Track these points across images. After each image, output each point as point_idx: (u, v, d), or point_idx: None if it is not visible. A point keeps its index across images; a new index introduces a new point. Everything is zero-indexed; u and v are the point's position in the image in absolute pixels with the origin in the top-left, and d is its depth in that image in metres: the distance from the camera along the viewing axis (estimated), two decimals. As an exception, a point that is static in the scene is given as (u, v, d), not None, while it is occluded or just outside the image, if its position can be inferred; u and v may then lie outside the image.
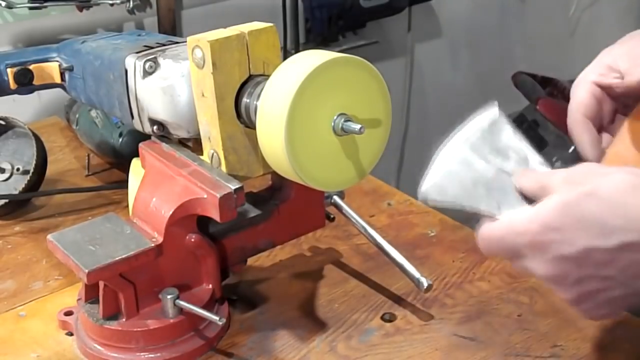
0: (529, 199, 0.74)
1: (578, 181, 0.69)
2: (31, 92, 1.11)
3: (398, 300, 1.00)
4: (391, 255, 0.99)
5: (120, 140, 1.27)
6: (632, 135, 0.82)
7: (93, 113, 1.33)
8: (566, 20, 2.61)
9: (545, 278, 0.72)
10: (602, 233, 0.66)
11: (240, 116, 0.86)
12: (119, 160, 1.28)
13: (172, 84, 0.90)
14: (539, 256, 0.70)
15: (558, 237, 0.68)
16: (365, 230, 1.02)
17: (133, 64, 0.92)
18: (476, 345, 0.92)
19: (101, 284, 0.88)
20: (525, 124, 2.23)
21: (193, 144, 0.94)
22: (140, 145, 0.95)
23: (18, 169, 1.25)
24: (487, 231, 0.74)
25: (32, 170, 1.20)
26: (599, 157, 0.83)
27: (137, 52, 0.93)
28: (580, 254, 0.68)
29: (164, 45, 0.95)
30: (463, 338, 0.93)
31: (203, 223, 0.91)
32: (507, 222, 0.73)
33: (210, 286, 0.92)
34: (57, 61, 1.08)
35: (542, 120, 2.20)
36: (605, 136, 0.86)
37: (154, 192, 0.89)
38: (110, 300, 0.88)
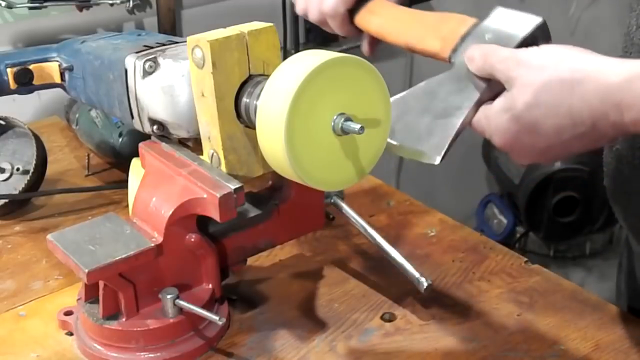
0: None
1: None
2: (31, 92, 1.11)
3: (398, 300, 1.00)
4: (391, 255, 0.99)
5: (120, 140, 1.27)
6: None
7: (93, 113, 1.33)
8: (566, 20, 2.61)
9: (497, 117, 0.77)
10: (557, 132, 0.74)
11: (240, 116, 0.86)
12: (119, 160, 1.28)
13: (172, 84, 0.90)
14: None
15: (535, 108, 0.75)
16: (365, 230, 1.02)
17: (133, 63, 0.92)
18: (476, 345, 0.92)
19: (101, 283, 0.88)
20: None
21: (193, 144, 0.94)
22: (140, 145, 0.95)
23: (18, 169, 1.25)
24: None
25: (32, 170, 1.20)
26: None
27: (137, 52, 0.93)
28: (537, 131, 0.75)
29: (164, 45, 0.95)
30: (463, 338, 0.93)
31: (203, 223, 0.91)
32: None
33: (210, 286, 0.92)
34: (57, 61, 1.08)
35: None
36: None
37: (154, 192, 0.89)
38: (110, 300, 0.88)
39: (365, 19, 0.95)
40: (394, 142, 0.84)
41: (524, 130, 0.75)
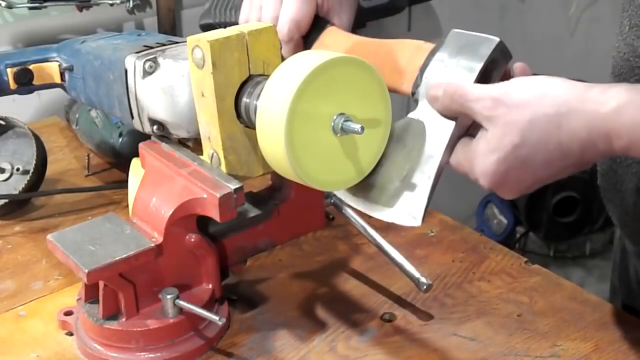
0: None
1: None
2: (31, 92, 1.11)
3: (398, 300, 1.00)
4: (391, 255, 0.99)
5: (120, 140, 1.27)
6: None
7: (93, 113, 1.33)
8: (566, 20, 2.61)
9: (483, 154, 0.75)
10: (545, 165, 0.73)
11: (240, 116, 0.86)
12: (119, 160, 1.28)
13: (172, 84, 0.90)
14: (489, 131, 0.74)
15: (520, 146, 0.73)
16: (365, 230, 1.02)
17: (133, 63, 0.92)
18: (476, 345, 0.92)
19: (101, 283, 0.88)
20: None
21: (193, 144, 0.94)
22: (140, 145, 0.95)
23: (18, 169, 1.25)
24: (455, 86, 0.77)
25: (32, 170, 1.20)
26: None
27: (137, 52, 0.93)
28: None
29: (164, 45, 0.95)
30: (463, 338, 0.93)
31: (203, 223, 0.91)
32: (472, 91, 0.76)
33: (210, 286, 0.92)
34: (57, 61, 1.08)
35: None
36: None
37: (154, 192, 0.89)
38: (110, 300, 0.88)
39: None
40: (364, 208, 0.82)
41: (513, 168, 0.74)
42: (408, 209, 0.80)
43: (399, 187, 0.80)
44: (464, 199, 2.56)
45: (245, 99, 0.85)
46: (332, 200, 1.04)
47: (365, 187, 0.83)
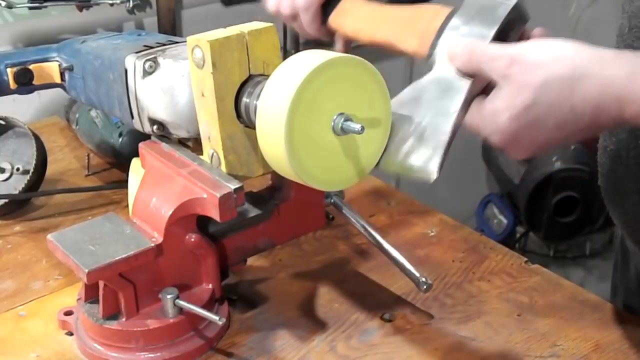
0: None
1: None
2: (31, 92, 1.11)
3: (398, 300, 1.00)
4: (391, 255, 0.99)
5: (120, 140, 1.27)
6: None
7: (93, 113, 1.33)
8: (566, 20, 2.60)
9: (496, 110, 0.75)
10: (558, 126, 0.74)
11: (240, 116, 0.86)
12: (119, 160, 1.28)
13: (172, 84, 0.90)
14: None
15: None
16: (365, 230, 1.02)
17: (133, 63, 0.92)
18: (476, 345, 0.92)
19: (101, 283, 0.88)
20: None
21: (193, 144, 0.94)
22: (140, 145, 0.95)
23: (18, 169, 1.25)
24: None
25: (32, 170, 1.20)
26: None
27: (137, 52, 0.93)
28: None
29: (164, 45, 0.95)
30: (463, 338, 0.93)
31: (203, 223, 0.91)
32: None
33: (210, 286, 0.92)
34: (57, 61, 1.08)
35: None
36: None
37: (154, 192, 0.89)
38: (110, 300, 0.88)
39: (339, 20, 0.94)
40: (385, 159, 0.83)
41: (524, 128, 0.74)
42: (423, 164, 0.79)
43: (414, 144, 0.81)
44: (464, 199, 2.56)
45: (245, 99, 0.85)
46: (332, 200, 1.04)
47: None
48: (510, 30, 0.80)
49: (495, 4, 0.81)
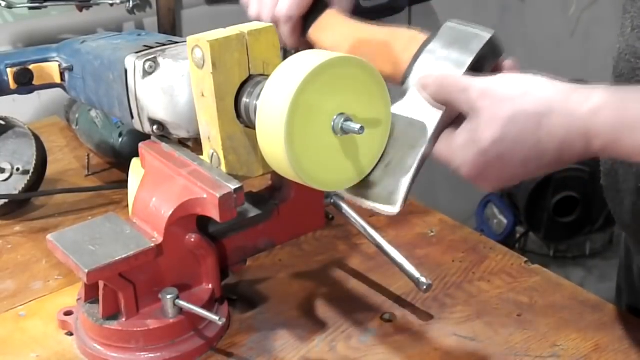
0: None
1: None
2: (31, 92, 1.11)
3: (398, 300, 1.00)
4: (391, 255, 0.99)
5: (120, 140, 1.27)
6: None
7: (93, 113, 1.33)
8: (566, 20, 2.61)
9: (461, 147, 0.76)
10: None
11: (240, 116, 0.86)
12: (119, 160, 1.28)
13: (172, 84, 0.90)
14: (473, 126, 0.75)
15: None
16: (365, 230, 1.02)
17: (133, 64, 0.92)
18: (476, 345, 0.92)
19: (101, 283, 0.88)
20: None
21: (193, 144, 0.94)
22: (140, 145, 0.95)
23: (18, 169, 1.25)
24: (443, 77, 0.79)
25: (32, 170, 1.20)
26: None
27: (137, 52, 0.93)
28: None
29: (164, 45, 0.95)
30: (463, 338, 0.93)
31: (203, 223, 0.91)
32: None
33: (210, 286, 0.92)
34: (57, 61, 1.08)
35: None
36: None
37: (154, 192, 0.89)
38: (110, 300, 0.88)
39: (318, 34, 0.94)
40: (348, 194, 0.83)
41: (492, 162, 0.75)
42: (388, 196, 0.80)
43: (381, 174, 0.81)
44: (464, 199, 2.56)
45: (245, 99, 0.85)
46: (332, 200, 1.04)
47: None
48: (484, 64, 0.80)
49: (470, 36, 0.81)
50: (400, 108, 0.82)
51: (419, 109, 0.81)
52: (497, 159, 0.74)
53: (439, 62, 0.81)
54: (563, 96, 0.72)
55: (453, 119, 0.79)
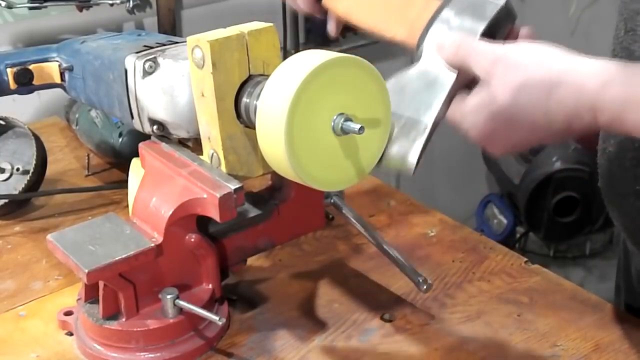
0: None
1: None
2: (31, 92, 1.11)
3: (398, 300, 1.00)
4: (391, 255, 0.99)
5: (120, 140, 1.27)
6: None
7: (93, 113, 1.33)
8: (566, 20, 2.60)
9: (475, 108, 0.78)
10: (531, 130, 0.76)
11: (240, 116, 0.86)
12: (119, 160, 1.28)
13: (172, 84, 0.90)
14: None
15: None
16: (365, 230, 1.02)
17: (133, 64, 0.92)
18: (476, 345, 0.92)
19: (101, 283, 0.88)
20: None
21: (193, 144, 0.94)
22: (140, 145, 0.95)
23: (18, 169, 1.25)
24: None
25: (32, 170, 1.20)
26: None
27: (137, 52, 0.93)
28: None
29: (163, 45, 0.95)
30: (463, 338, 0.93)
31: (203, 223, 0.91)
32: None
33: (210, 286, 0.92)
34: (57, 61, 1.08)
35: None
36: None
37: (154, 192, 0.89)
38: (110, 300, 0.88)
39: (332, 1, 0.95)
40: None
41: (500, 126, 0.76)
42: (403, 155, 0.81)
43: (395, 135, 0.82)
44: (464, 199, 2.56)
45: (245, 99, 0.85)
46: (332, 200, 1.04)
47: None
48: (498, 28, 0.82)
49: (485, 2, 0.83)
50: (415, 71, 0.84)
51: (433, 72, 0.82)
52: (506, 123, 0.76)
53: (453, 26, 0.83)
54: (574, 68, 0.74)
55: (466, 83, 0.80)
